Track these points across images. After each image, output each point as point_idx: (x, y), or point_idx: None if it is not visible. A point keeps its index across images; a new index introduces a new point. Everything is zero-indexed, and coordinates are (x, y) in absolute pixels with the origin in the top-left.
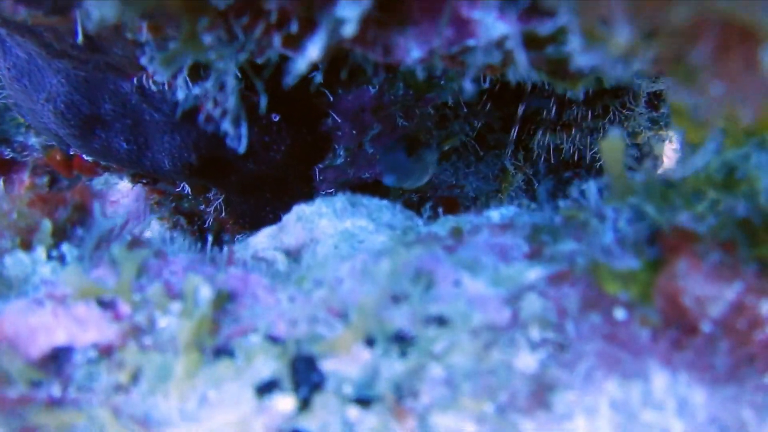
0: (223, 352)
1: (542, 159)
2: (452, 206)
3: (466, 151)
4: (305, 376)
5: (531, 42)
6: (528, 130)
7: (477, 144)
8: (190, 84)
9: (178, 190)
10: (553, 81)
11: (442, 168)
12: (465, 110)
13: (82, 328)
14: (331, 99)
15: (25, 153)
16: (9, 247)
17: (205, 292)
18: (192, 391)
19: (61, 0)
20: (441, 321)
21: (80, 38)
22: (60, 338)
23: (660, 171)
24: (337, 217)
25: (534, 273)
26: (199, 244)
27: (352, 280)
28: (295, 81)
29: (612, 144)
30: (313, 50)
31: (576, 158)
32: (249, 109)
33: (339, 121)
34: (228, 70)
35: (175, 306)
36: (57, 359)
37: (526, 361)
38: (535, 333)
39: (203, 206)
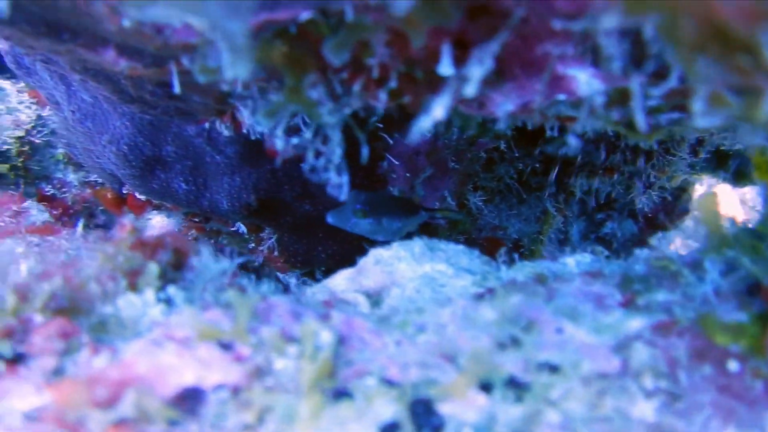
0: (342, 394)
1: (575, 201)
2: (496, 247)
3: (510, 194)
4: (425, 419)
5: (620, 99)
6: (569, 173)
7: (520, 187)
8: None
9: (233, 229)
10: (627, 133)
11: (486, 210)
12: (516, 153)
13: (208, 369)
14: (391, 143)
15: (64, 189)
16: (119, 289)
17: (326, 337)
18: (317, 431)
19: (159, 56)
20: (552, 368)
21: (177, 89)
22: (189, 379)
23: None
24: (416, 261)
25: (636, 323)
26: (279, 286)
27: (454, 326)
28: (418, 138)
29: (709, 200)
30: (438, 110)
31: (606, 201)
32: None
33: (395, 163)
34: (334, 123)
35: (292, 349)
36: (186, 399)
37: (643, 409)
38: (648, 382)
39: (252, 245)
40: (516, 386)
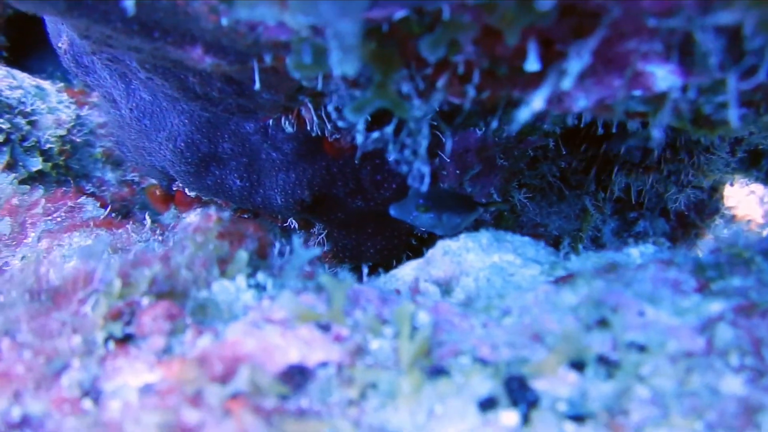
0: (438, 371)
1: (610, 200)
2: None
3: (550, 192)
4: (521, 394)
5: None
6: (609, 172)
7: (562, 184)
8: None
9: (285, 225)
10: (691, 128)
11: (521, 205)
12: (564, 151)
13: (310, 348)
14: (444, 141)
15: (104, 188)
16: (211, 276)
17: (424, 318)
18: (419, 406)
19: (243, 53)
20: (639, 347)
21: (258, 85)
22: (294, 357)
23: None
24: (484, 251)
25: (717, 305)
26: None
27: (538, 309)
28: (519, 128)
29: None
30: (538, 101)
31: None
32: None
33: (446, 161)
34: (422, 117)
35: (388, 330)
36: (292, 376)
37: (731, 384)
38: (734, 359)
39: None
40: (606, 364)
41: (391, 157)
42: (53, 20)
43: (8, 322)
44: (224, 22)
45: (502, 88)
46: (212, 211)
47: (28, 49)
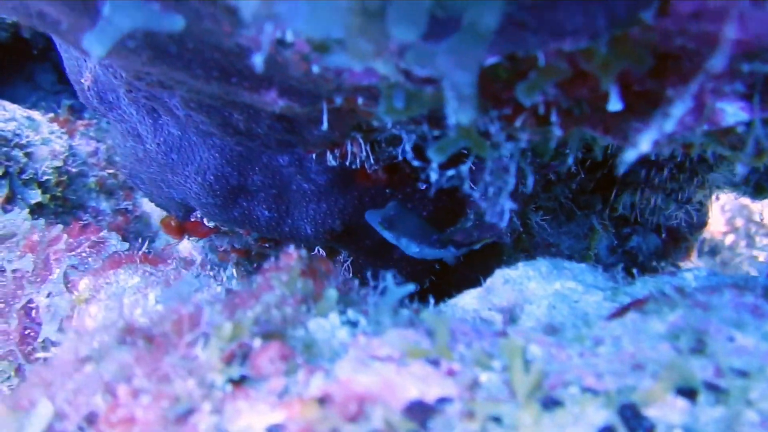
0: (552, 402)
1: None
2: None
3: (561, 213)
4: (636, 422)
5: None
6: (616, 192)
7: (574, 205)
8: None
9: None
10: (732, 154)
11: (541, 227)
12: (583, 175)
13: (427, 383)
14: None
15: (99, 217)
16: (300, 313)
17: (536, 351)
18: None
19: (315, 96)
20: (740, 373)
21: (325, 125)
22: (413, 393)
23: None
24: (545, 279)
25: None
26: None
27: (628, 338)
28: (626, 169)
29: None
30: (645, 144)
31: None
32: (398, 179)
33: (473, 186)
34: (513, 155)
35: (496, 363)
36: (414, 412)
37: None
38: None
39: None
40: (712, 390)
41: (468, 192)
42: (74, 57)
43: (121, 369)
44: (315, 69)
45: (577, 127)
46: (291, 249)
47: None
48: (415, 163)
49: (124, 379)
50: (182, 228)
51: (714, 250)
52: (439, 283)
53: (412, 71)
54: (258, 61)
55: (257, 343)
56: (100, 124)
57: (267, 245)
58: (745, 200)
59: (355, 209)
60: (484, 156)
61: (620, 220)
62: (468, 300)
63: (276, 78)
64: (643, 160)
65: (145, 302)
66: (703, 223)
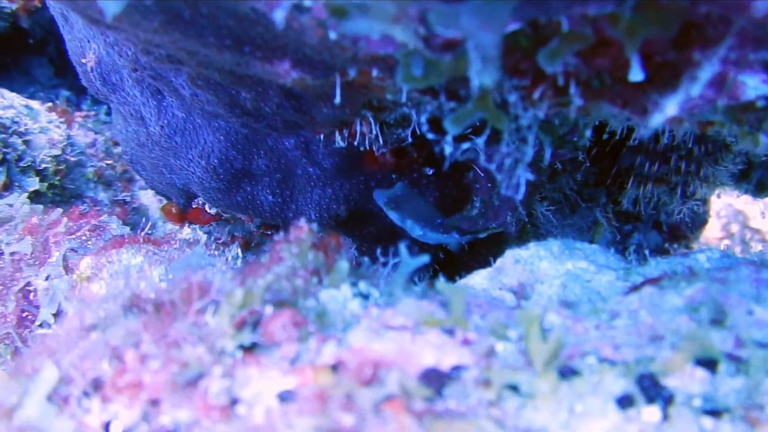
0: (568, 371)
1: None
2: None
3: (566, 204)
4: (655, 391)
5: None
6: (619, 184)
7: (578, 197)
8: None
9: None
10: (755, 139)
11: (546, 219)
12: (588, 164)
13: (443, 351)
14: (482, 156)
15: (97, 208)
16: (311, 285)
17: (554, 319)
18: (559, 404)
19: (328, 68)
20: (760, 344)
21: (338, 99)
22: (429, 360)
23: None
24: (556, 259)
25: None
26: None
27: (646, 311)
28: (649, 135)
29: None
30: (672, 107)
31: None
32: (405, 163)
33: (480, 174)
34: (531, 126)
35: (512, 332)
36: (430, 379)
37: None
38: None
39: None
40: (733, 360)
41: (483, 165)
42: (77, 38)
43: (128, 335)
44: (332, 35)
45: (597, 99)
46: (302, 222)
47: None
48: (430, 136)
49: (132, 345)
50: (183, 215)
51: None
52: (443, 272)
53: (433, 34)
54: (279, 16)
55: (269, 310)
56: (98, 116)
57: (270, 232)
58: (740, 206)
59: (361, 194)
60: (500, 128)
61: (622, 216)
62: (478, 280)
63: (290, 47)
64: (648, 151)
65: (150, 277)
66: (703, 222)
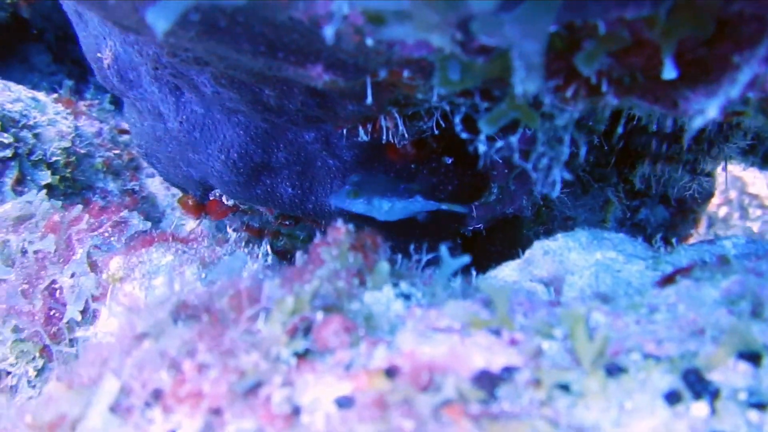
0: (616, 369)
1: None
2: None
3: (577, 185)
4: (701, 386)
5: None
6: (630, 164)
7: (590, 178)
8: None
9: None
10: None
11: (560, 201)
12: (606, 148)
13: (492, 353)
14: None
15: (108, 198)
16: (353, 287)
17: (600, 318)
18: (608, 402)
19: (360, 70)
20: None
21: (370, 99)
22: (480, 363)
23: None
24: (585, 250)
25: None
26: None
27: (684, 305)
28: (693, 135)
29: None
30: (713, 110)
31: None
32: (424, 154)
33: (498, 161)
34: (567, 126)
35: (557, 331)
36: (482, 381)
37: None
38: None
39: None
40: None
41: (530, 164)
42: (92, 36)
43: (183, 344)
44: (369, 42)
45: (628, 95)
46: (339, 223)
47: None
48: (464, 136)
49: (187, 354)
50: (200, 207)
51: (708, 223)
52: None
53: (472, 41)
54: (329, 33)
55: (320, 316)
56: (102, 104)
57: (287, 222)
58: (738, 172)
59: None
60: (534, 127)
61: (629, 192)
62: (507, 272)
63: (324, 52)
64: (660, 132)
65: (191, 281)
66: (710, 194)
